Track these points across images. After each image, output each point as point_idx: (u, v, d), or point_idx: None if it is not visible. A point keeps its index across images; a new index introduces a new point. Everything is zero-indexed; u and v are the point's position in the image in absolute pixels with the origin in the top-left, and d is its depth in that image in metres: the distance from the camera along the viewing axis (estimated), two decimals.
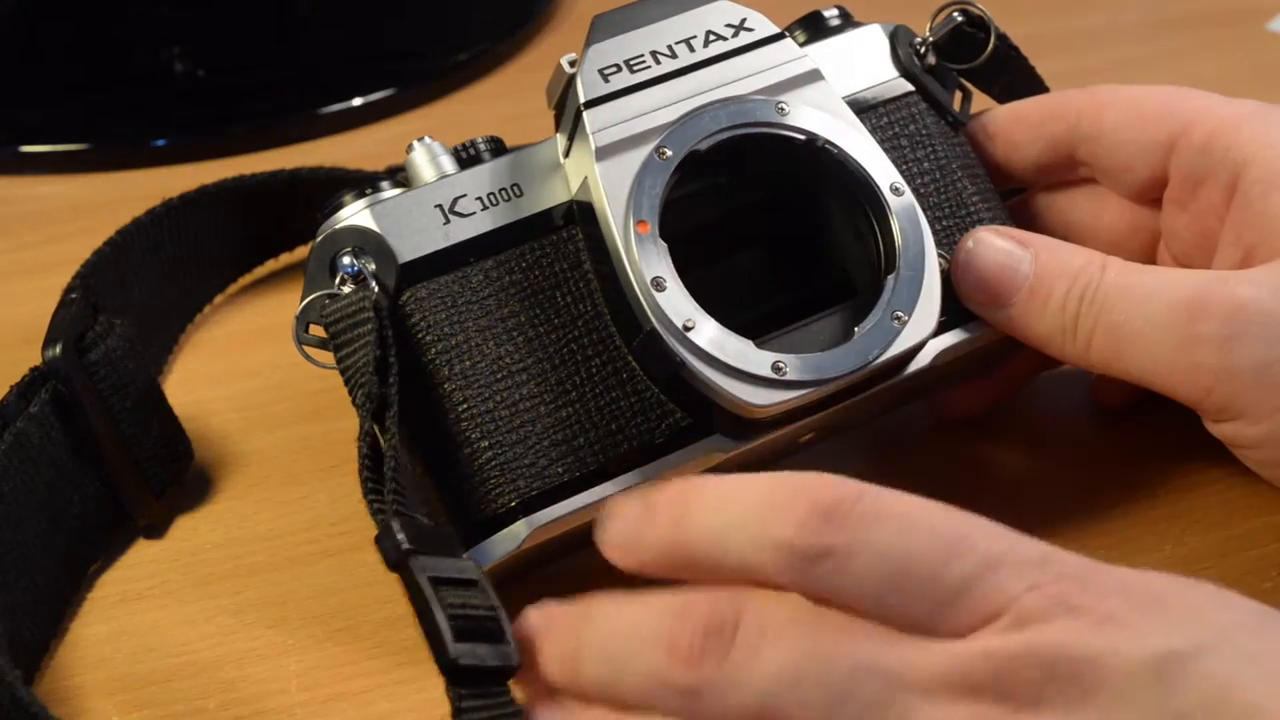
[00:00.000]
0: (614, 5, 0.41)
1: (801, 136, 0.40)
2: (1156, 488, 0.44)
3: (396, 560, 0.33)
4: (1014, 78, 0.48)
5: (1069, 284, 0.39)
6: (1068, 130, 0.44)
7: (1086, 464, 0.45)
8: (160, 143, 0.65)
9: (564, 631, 0.33)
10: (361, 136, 0.66)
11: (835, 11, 0.46)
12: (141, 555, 0.44)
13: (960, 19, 0.46)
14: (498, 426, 0.39)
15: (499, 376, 0.39)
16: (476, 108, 0.68)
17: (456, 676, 0.32)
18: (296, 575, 0.43)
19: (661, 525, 0.33)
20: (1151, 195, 0.43)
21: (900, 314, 0.39)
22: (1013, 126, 0.45)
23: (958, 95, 0.45)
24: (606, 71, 0.40)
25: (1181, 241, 0.42)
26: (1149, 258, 0.44)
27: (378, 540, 0.34)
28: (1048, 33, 0.71)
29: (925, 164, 0.43)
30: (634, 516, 0.34)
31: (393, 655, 0.40)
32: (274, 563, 0.44)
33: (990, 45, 0.46)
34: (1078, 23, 0.73)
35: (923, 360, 0.40)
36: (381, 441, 0.36)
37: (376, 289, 0.39)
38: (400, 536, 0.34)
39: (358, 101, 0.67)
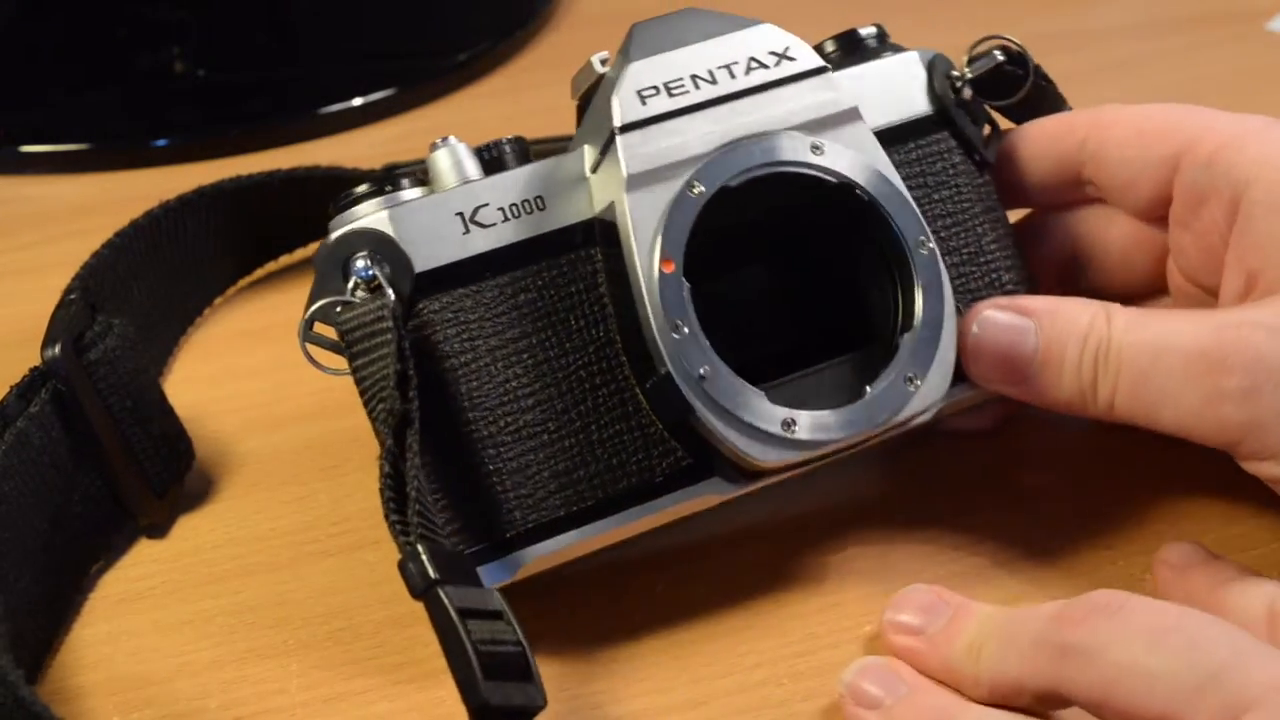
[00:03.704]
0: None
1: (834, 180, 0.39)
2: (1157, 488, 0.44)
3: (423, 589, 0.33)
4: (1040, 105, 0.47)
5: (1080, 347, 0.39)
6: (1074, 148, 0.43)
7: (1087, 464, 0.45)
8: (160, 143, 0.65)
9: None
10: (361, 136, 0.66)
11: (873, 31, 0.45)
12: (143, 555, 0.44)
13: (1002, 58, 0.45)
14: (499, 453, 0.38)
15: (505, 400, 0.38)
16: (476, 108, 0.68)
17: (484, 716, 0.32)
18: (297, 575, 0.43)
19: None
20: (1158, 212, 0.43)
21: (914, 377, 0.38)
22: (1021, 146, 0.45)
23: (986, 129, 0.44)
24: (645, 94, 0.39)
25: (1188, 259, 0.42)
26: (1158, 273, 0.44)
27: (402, 566, 0.33)
28: (1048, 33, 0.71)
29: (948, 205, 0.43)
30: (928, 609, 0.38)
31: (393, 655, 0.40)
32: (274, 563, 0.44)
33: (1028, 84, 0.45)
34: (1078, 23, 0.73)
35: (927, 414, 0.40)
36: (403, 460, 0.35)
37: (393, 297, 0.37)
38: (427, 565, 0.33)
39: (358, 101, 0.67)
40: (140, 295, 0.50)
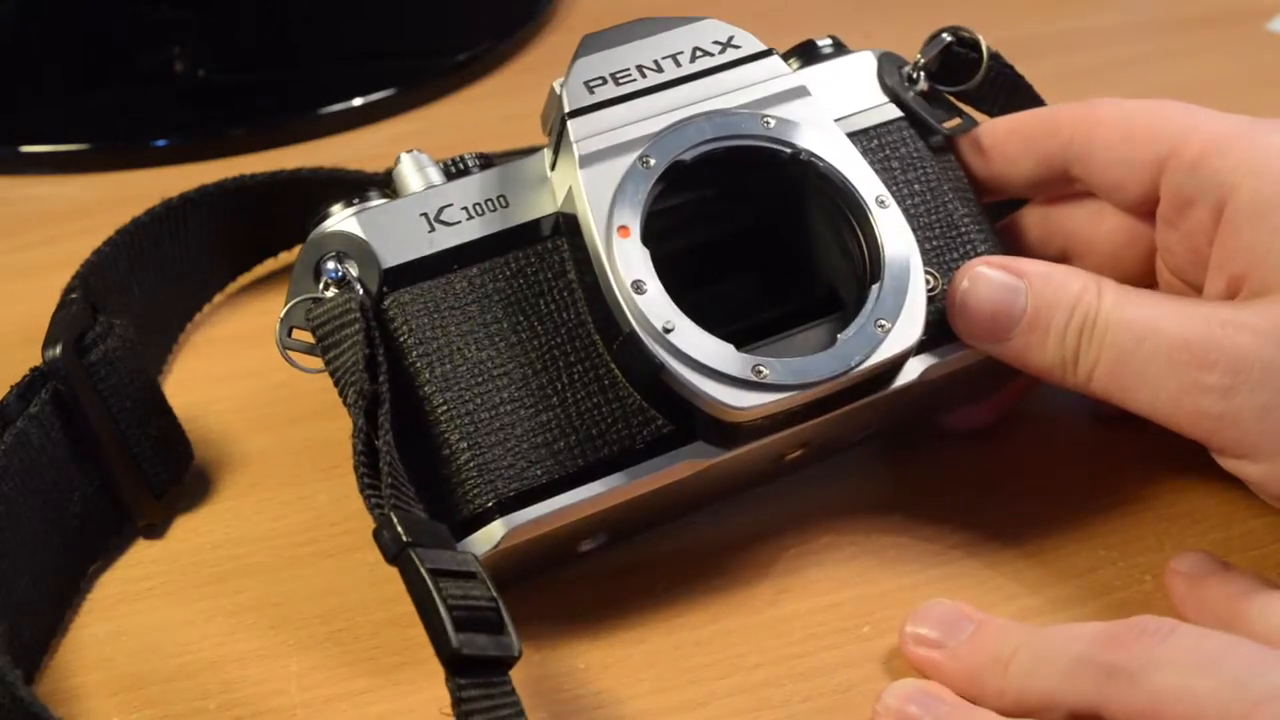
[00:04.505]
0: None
1: (787, 149, 0.40)
2: (1157, 489, 0.44)
3: (396, 552, 0.34)
4: (1012, 97, 0.47)
5: (1068, 316, 0.39)
6: (1060, 147, 0.43)
7: (1087, 465, 0.45)
8: (160, 143, 0.65)
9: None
10: (361, 136, 0.66)
11: (829, 41, 0.46)
12: (141, 555, 0.44)
13: (950, 39, 0.46)
14: (477, 428, 0.39)
15: (479, 379, 0.39)
16: (476, 108, 0.68)
17: (457, 666, 0.32)
18: (296, 575, 0.43)
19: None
20: (1146, 209, 0.43)
21: (883, 322, 0.39)
22: (1007, 141, 0.45)
23: (955, 120, 0.45)
24: (591, 84, 0.40)
25: (1175, 257, 0.42)
26: (1148, 267, 0.44)
27: (376, 534, 0.34)
28: (1046, 33, 0.71)
29: (916, 185, 0.43)
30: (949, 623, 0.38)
31: (393, 655, 0.40)
32: (274, 563, 0.44)
33: (983, 66, 0.46)
34: (1077, 23, 0.73)
35: (909, 375, 0.40)
36: (375, 437, 0.37)
37: (361, 291, 0.39)
38: (399, 529, 0.34)
39: (358, 101, 0.67)
40: (140, 293, 0.50)
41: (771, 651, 0.40)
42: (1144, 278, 0.44)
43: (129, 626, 0.42)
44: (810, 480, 0.44)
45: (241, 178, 0.53)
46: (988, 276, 0.40)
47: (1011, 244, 0.45)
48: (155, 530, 0.45)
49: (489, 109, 0.68)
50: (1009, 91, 0.47)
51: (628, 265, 0.38)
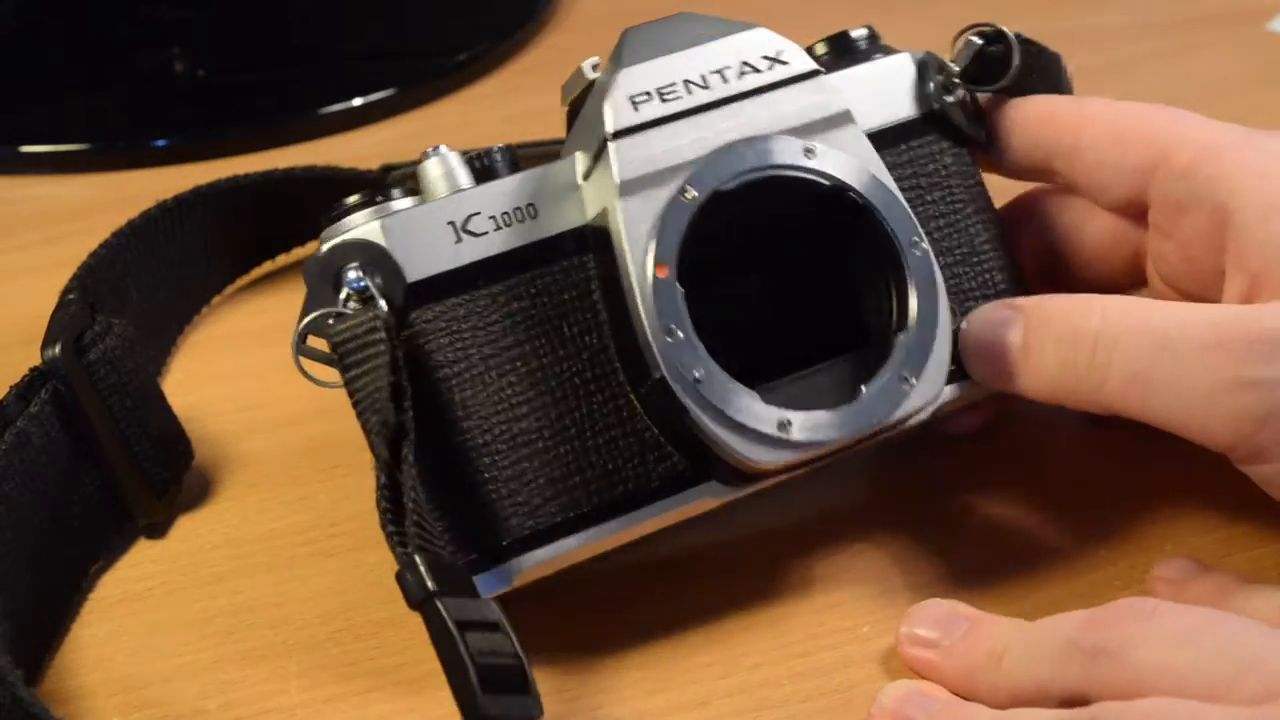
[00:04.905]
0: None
1: (828, 183, 0.39)
2: (1156, 488, 0.44)
3: (421, 600, 0.33)
4: (1044, 76, 0.46)
5: (1071, 336, 0.39)
6: (1051, 139, 0.43)
7: (1086, 466, 0.45)
8: (160, 143, 0.65)
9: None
10: (361, 136, 0.66)
11: (864, 33, 0.45)
12: (142, 555, 0.44)
13: (980, 43, 0.44)
14: (495, 461, 0.38)
15: (500, 409, 0.38)
16: (476, 108, 0.68)
17: None
18: (297, 575, 0.43)
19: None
20: (1132, 212, 0.43)
21: (909, 377, 0.38)
22: (1008, 119, 0.44)
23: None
24: (637, 99, 0.38)
25: (1169, 265, 0.42)
26: (1136, 268, 0.44)
27: (399, 577, 0.33)
28: (1048, 33, 0.70)
29: (941, 206, 0.43)
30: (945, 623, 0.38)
31: (392, 655, 0.40)
32: (274, 563, 0.44)
33: (1015, 59, 0.44)
34: (1077, 23, 0.73)
35: (923, 415, 0.40)
36: (398, 471, 0.35)
37: (385, 308, 0.38)
38: (424, 576, 0.33)
39: (358, 101, 0.67)
40: (138, 295, 0.50)
41: (771, 651, 0.40)
42: (1132, 276, 0.44)
43: (130, 626, 0.42)
44: (809, 480, 0.44)
45: (235, 178, 0.53)
46: (982, 315, 0.41)
47: None
48: (156, 530, 0.45)
49: (489, 109, 0.68)
50: (1037, 70, 0.46)
51: (662, 309, 0.37)
